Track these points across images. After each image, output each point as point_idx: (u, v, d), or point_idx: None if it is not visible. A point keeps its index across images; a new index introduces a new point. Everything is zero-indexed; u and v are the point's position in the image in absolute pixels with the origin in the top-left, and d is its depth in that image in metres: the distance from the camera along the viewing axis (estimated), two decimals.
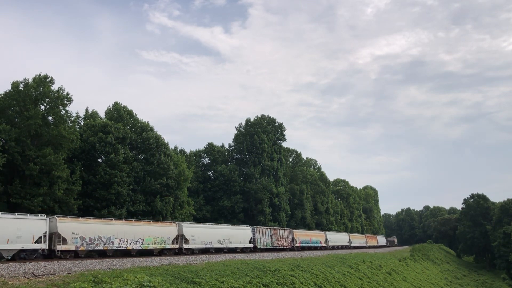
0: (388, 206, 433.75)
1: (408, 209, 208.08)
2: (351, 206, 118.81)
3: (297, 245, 62.50)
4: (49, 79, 40.16)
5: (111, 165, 45.26)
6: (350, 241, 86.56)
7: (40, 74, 39.93)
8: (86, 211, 43.22)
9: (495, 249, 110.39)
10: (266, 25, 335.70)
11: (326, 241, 74.02)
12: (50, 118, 40.18)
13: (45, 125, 38.98)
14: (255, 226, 54.75)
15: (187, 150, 73.63)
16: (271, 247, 55.25)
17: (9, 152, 35.92)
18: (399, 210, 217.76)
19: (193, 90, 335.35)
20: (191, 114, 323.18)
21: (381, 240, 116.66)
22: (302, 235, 66.52)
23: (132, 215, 46.02)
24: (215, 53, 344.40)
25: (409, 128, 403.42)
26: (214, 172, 72.18)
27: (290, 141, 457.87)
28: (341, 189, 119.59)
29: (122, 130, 48.34)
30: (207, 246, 44.71)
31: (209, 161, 74.43)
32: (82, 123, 49.79)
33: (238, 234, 49.71)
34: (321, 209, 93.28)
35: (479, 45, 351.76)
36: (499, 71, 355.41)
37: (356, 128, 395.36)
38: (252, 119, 77.96)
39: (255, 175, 71.52)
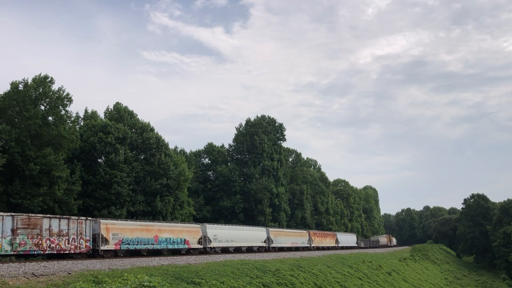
0: (388, 206, 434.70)
1: (408, 209, 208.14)
2: (351, 206, 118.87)
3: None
4: (49, 79, 40.17)
5: (111, 165, 45.27)
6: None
7: (40, 74, 39.96)
8: (86, 211, 43.23)
9: (495, 249, 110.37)
10: (267, 25, 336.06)
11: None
12: (50, 118, 40.18)
13: (45, 125, 38.98)
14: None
15: (188, 150, 73.82)
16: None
17: (9, 152, 35.92)
18: (399, 210, 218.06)
19: (194, 90, 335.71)
20: (192, 114, 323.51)
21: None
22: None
23: (132, 215, 46.05)
24: (216, 53, 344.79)
25: (409, 128, 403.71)
26: (214, 172, 72.23)
27: (291, 141, 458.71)
28: (341, 189, 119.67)
29: (122, 130, 48.37)
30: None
31: (209, 161, 74.49)
32: (82, 123, 49.82)
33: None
34: (321, 209, 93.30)
35: (480, 46, 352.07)
36: (500, 71, 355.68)
37: (356, 128, 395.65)
38: (252, 119, 78.03)
39: (255, 175, 71.53)
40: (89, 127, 47.05)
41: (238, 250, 48.27)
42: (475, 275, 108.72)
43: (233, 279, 28.59)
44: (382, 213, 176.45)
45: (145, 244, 36.22)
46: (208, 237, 43.17)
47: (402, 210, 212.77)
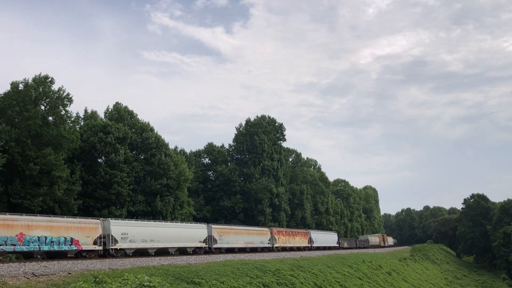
0: (388, 206, 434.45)
1: (408, 209, 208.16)
2: (351, 206, 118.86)
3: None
4: (49, 79, 40.19)
5: (111, 165, 45.28)
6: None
7: (40, 74, 39.97)
8: (86, 211, 43.24)
9: (495, 249, 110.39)
10: (268, 25, 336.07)
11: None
12: (50, 118, 40.20)
13: (45, 125, 38.99)
14: None
15: (188, 150, 73.81)
16: None
17: (9, 152, 35.92)
18: (399, 210, 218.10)
19: (194, 90, 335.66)
20: (192, 114, 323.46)
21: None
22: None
23: (132, 215, 46.04)
24: (216, 53, 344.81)
25: (409, 128, 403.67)
26: (214, 172, 72.22)
27: (291, 141, 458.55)
28: (341, 189, 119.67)
29: (122, 130, 48.38)
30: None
31: (209, 161, 74.49)
32: (82, 123, 49.84)
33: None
34: (321, 209, 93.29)
35: (480, 45, 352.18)
36: (500, 71, 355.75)
37: (356, 128, 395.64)
38: (252, 119, 78.05)
39: (255, 175, 71.53)
40: (89, 127, 47.05)
41: (162, 252, 39.31)
42: (475, 275, 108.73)
43: (233, 279, 28.60)
44: (382, 213, 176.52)
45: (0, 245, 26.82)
46: (113, 235, 34.49)
47: (402, 210, 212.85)
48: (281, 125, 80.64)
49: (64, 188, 39.15)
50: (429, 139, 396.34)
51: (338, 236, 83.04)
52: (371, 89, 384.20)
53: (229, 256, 39.67)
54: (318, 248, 67.84)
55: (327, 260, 49.65)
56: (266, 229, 55.02)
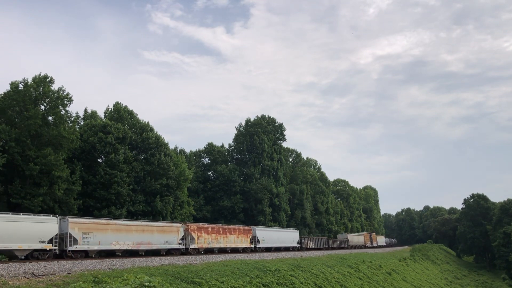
0: (388, 206, 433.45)
1: (408, 209, 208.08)
2: (351, 206, 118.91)
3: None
4: (49, 79, 40.19)
5: (111, 165, 45.29)
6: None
7: (40, 74, 39.97)
8: (86, 211, 43.26)
9: (495, 249, 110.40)
10: (268, 25, 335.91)
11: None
12: (50, 118, 40.20)
13: (45, 125, 38.99)
14: None
15: (188, 150, 73.84)
16: None
17: (9, 152, 35.93)
18: (399, 210, 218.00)
19: (194, 90, 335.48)
20: (192, 114, 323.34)
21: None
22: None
23: (132, 215, 46.06)
24: (216, 53, 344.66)
25: (410, 128, 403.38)
26: (214, 172, 72.24)
27: (291, 141, 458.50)
28: (341, 189, 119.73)
29: (122, 130, 48.39)
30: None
31: (209, 161, 74.51)
32: (82, 123, 49.85)
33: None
34: (321, 209, 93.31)
35: (481, 45, 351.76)
36: (500, 71, 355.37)
37: (357, 128, 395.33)
38: (252, 119, 78.07)
39: (255, 175, 71.55)
40: (89, 127, 47.06)
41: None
42: (475, 275, 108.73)
43: (233, 279, 28.61)
44: (382, 213, 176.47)
45: None
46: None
47: (402, 210, 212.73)
48: (281, 125, 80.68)
49: (64, 188, 39.16)
50: (429, 139, 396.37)
51: (301, 234, 68.62)
52: (371, 89, 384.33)
53: (229, 256, 39.56)
54: (268, 250, 53.59)
55: (327, 260, 49.66)
56: (178, 224, 41.36)
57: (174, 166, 52.47)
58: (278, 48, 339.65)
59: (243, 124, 77.69)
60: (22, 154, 37.01)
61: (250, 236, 50.46)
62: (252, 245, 50.44)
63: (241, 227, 50.51)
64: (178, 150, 70.18)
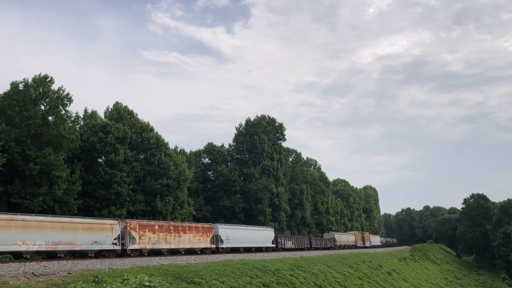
0: (388, 206, 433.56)
1: (408, 209, 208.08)
2: (351, 206, 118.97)
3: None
4: (49, 79, 40.22)
5: (111, 165, 45.30)
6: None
7: (40, 74, 40.00)
8: (86, 211, 43.28)
9: (495, 249, 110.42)
10: (268, 25, 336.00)
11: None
12: (50, 118, 40.23)
13: (45, 125, 39.02)
14: None
15: (188, 150, 73.91)
16: None
17: (9, 152, 35.94)
18: (399, 210, 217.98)
19: (194, 90, 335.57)
20: (192, 114, 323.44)
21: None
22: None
23: (132, 215, 46.07)
24: (217, 53, 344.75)
25: (410, 128, 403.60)
26: (214, 172, 72.28)
27: (291, 141, 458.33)
28: (341, 189, 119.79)
29: (122, 130, 48.40)
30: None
31: (209, 161, 74.55)
32: (82, 123, 49.87)
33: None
34: (321, 209, 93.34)
35: (481, 45, 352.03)
36: (500, 71, 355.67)
37: (357, 128, 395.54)
38: (252, 119, 78.10)
39: (255, 175, 71.57)
40: (89, 127, 47.09)
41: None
42: (475, 275, 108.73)
43: (233, 279, 28.61)
44: (382, 213, 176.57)
45: None
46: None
47: (402, 210, 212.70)
48: (281, 125, 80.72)
49: (64, 188, 39.18)
50: (429, 139, 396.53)
51: (276, 233, 59.94)
52: (372, 89, 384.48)
53: (229, 256, 39.56)
54: (235, 251, 47.98)
55: (327, 260, 49.65)
56: (112, 221, 34.90)
57: (174, 166, 52.48)
58: (278, 48, 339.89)
59: (243, 124, 77.78)
60: (22, 154, 37.03)
61: (211, 235, 44.87)
62: (213, 246, 44.72)
63: (200, 225, 44.86)
64: (178, 150, 70.24)
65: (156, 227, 38.43)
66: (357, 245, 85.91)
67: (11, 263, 24.05)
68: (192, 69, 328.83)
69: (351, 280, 44.60)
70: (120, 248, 34.73)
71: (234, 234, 48.58)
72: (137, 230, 36.54)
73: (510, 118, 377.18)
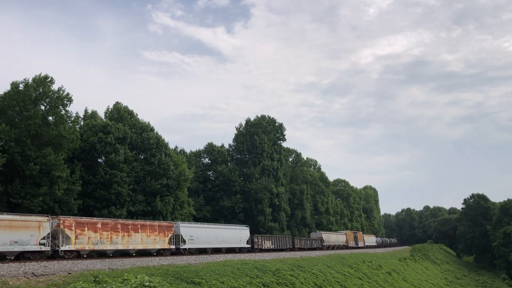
0: (388, 206, 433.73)
1: (408, 209, 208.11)
2: (351, 206, 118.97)
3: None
4: (49, 79, 40.22)
5: (111, 165, 45.30)
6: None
7: (40, 74, 40.00)
8: (86, 211, 43.27)
9: (495, 249, 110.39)
10: (269, 25, 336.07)
11: None
12: (50, 118, 40.23)
13: (45, 125, 39.01)
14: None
15: (188, 150, 73.88)
16: None
17: (9, 152, 35.94)
18: (399, 210, 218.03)
19: (195, 90, 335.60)
20: (192, 114, 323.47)
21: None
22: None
23: (132, 215, 46.07)
24: (217, 53, 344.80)
25: (410, 128, 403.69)
26: (214, 172, 72.27)
27: (291, 141, 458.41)
28: (341, 189, 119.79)
29: (122, 130, 48.40)
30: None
31: (209, 161, 74.54)
32: (82, 123, 49.87)
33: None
34: (321, 209, 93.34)
35: (481, 45, 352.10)
36: (500, 71, 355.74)
37: (357, 128, 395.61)
38: (252, 119, 78.10)
39: (255, 175, 71.56)
40: (89, 127, 47.08)
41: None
42: (475, 275, 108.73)
43: (233, 279, 28.60)
44: (382, 213, 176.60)
45: None
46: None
47: (402, 210, 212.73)
48: (281, 125, 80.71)
49: (64, 188, 39.17)
50: (429, 139, 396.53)
51: (252, 233, 55.90)
52: (372, 89, 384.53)
53: (229, 256, 39.56)
54: (202, 252, 44.28)
55: (327, 260, 49.63)
56: (40, 218, 30.27)
57: (174, 166, 52.47)
58: (278, 48, 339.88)
59: (243, 124, 77.76)
60: (22, 154, 37.02)
61: (170, 235, 40.18)
62: (172, 247, 40.03)
63: (157, 223, 40.07)
64: (178, 150, 70.23)
65: (99, 225, 33.73)
66: (349, 246, 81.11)
67: (11, 263, 24.05)
68: (192, 69, 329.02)
69: (351, 280, 44.60)
70: (49, 249, 30.03)
71: (199, 234, 43.96)
72: (73, 228, 31.79)
73: (510, 118, 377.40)
